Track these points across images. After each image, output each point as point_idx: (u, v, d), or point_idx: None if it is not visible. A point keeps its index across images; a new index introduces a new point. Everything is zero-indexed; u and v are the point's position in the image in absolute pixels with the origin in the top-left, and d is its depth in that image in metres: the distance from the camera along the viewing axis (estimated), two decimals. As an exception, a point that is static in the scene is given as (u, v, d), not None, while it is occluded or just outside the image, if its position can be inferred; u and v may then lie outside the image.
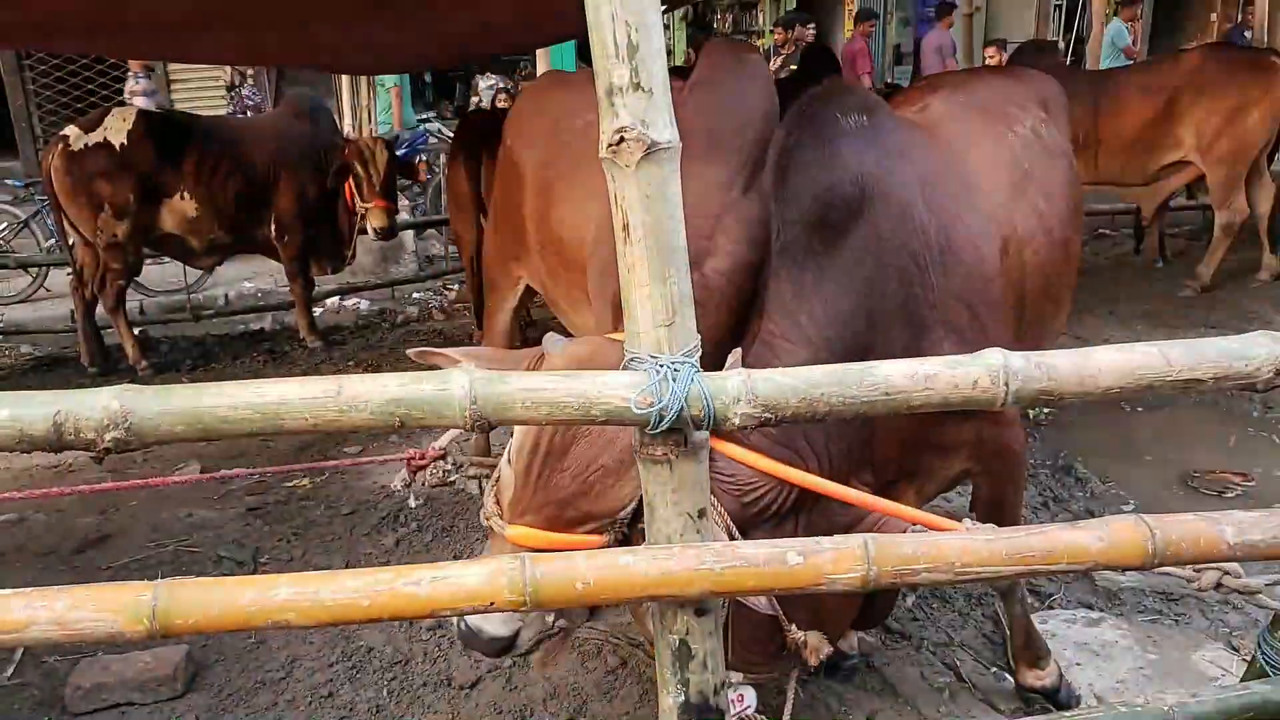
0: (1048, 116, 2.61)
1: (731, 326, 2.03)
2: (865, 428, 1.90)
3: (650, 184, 1.31)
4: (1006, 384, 1.34)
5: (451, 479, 2.09)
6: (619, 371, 1.37)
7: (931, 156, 2.16)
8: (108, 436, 1.23)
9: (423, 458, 1.97)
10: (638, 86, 1.28)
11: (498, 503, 1.76)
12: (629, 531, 1.74)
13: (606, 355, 1.74)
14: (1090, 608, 2.91)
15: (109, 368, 5.82)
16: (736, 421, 1.34)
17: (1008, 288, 2.17)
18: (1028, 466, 2.35)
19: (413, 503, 2.19)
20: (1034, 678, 2.47)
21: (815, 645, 1.78)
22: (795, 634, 1.77)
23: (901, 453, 2.02)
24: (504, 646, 1.72)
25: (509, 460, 1.77)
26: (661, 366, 1.33)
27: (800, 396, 1.33)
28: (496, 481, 1.80)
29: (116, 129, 5.44)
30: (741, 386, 1.33)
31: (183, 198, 5.60)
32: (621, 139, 1.29)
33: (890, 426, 1.94)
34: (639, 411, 1.30)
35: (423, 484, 2.12)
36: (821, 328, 1.90)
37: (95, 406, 1.24)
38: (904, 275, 1.95)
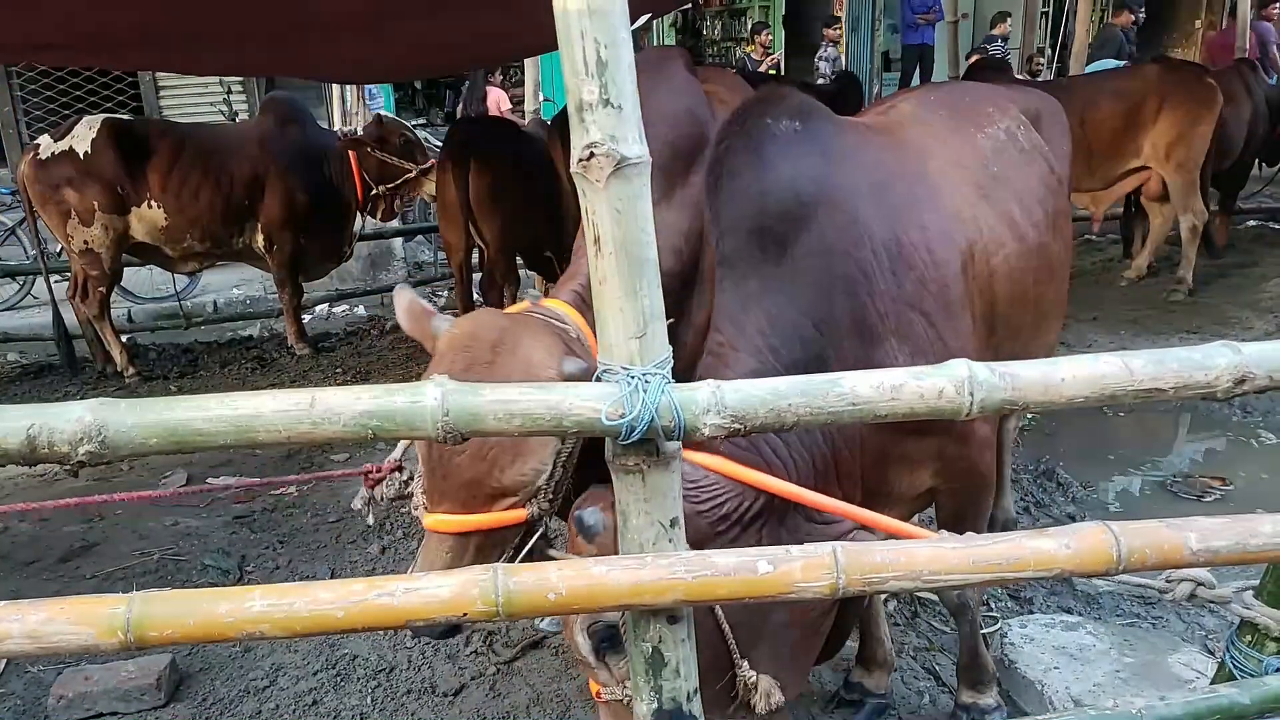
0: (1029, 123, 2.53)
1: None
2: (827, 440, 1.90)
3: (620, 199, 1.33)
4: (972, 394, 1.36)
5: (409, 490, 2.08)
6: (591, 383, 1.38)
7: (881, 159, 2.12)
8: (81, 450, 1.24)
9: (378, 471, 1.99)
10: (607, 103, 1.30)
11: (423, 493, 1.81)
12: (552, 501, 1.78)
13: (486, 323, 1.86)
14: (1069, 612, 2.94)
15: (75, 367, 5.89)
16: (706, 432, 1.36)
17: (972, 295, 2.11)
18: (991, 488, 2.31)
19: (370, 520, 2.19)
20: (969, 697, 2.47)
21: (765, 690, 1.70)
22: (746, 673, 1.70)
23: (867, 468, 1.99)
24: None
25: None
26: (632, 378, 1.35)
27: (768, 407, 1.35)
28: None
29: (82, 137, 5.47)
30: (711, 398, 1.35)
31: (150, 206, 5.60)
32: (591, 154, 1.31)
33: (852, 438, 1.93)
34: (609, 423, 1.31)
35: (381, 498, 2.12)
36: (768, 337, 1.89)
37: (69, 419, 1.24)
38: (850, 284, 1.93)
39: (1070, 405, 1.42)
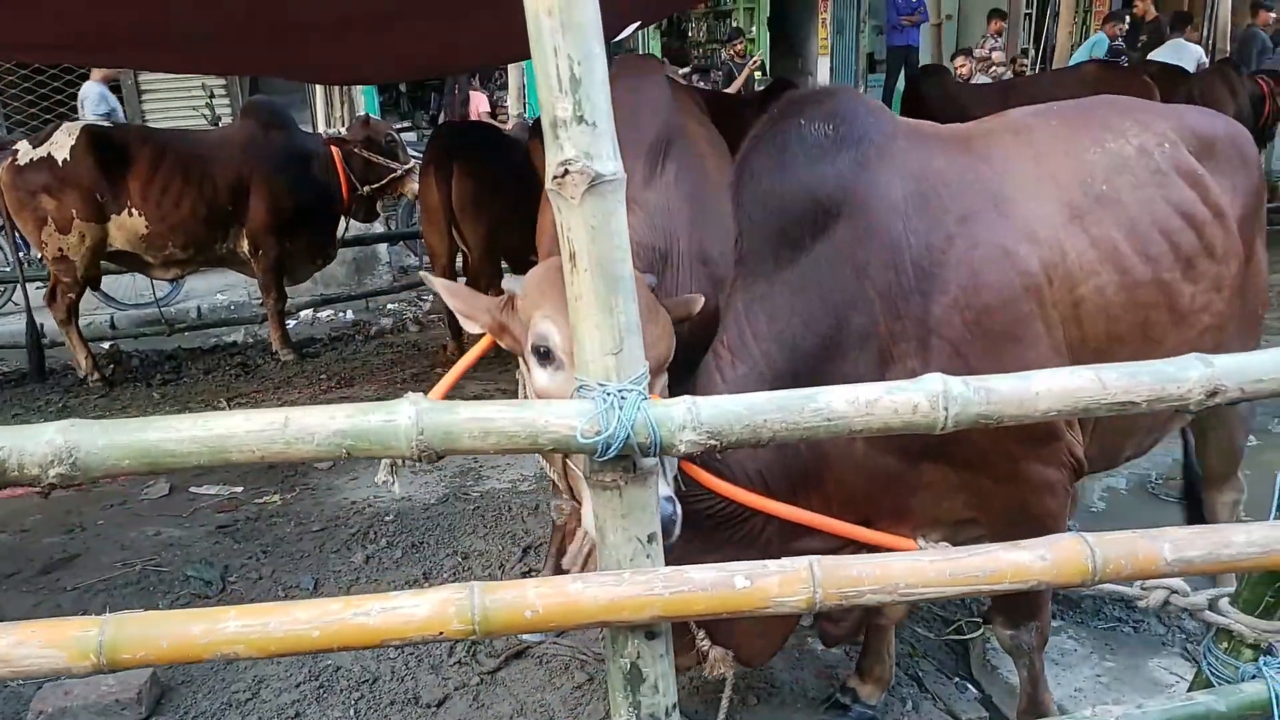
0: (1185, 143, 2.15)
1: None
2: (808, 452, 1.90)
3: (595, 216, 1.33)
4: (946, 409, 1.37)
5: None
6: (567, 401, 1.38)
7: (936, 168, 1.95)
8: (52, 472, 1.23)
9: None
10: (581, 119, 1.30)
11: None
12: None
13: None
14: (1051, 616, 2.94)
15: (43, 376, 5.86)
16: (683, 449, 1.36)
17: (1050, 324, 1.90)
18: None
19: (396, 490, 2.17)
20: None
21: (714, 660, 1.99)
22: (701, 643, 1.98)
23: (870, 487, 1.94)
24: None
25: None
26: (609, 395, 1.35)
27: (744, 423, 1.35)
28: None
29: (61, 144, 5.43)
30: (687, 414, 1.35)
31: (131, 214, 5.56)
32: (566, 171, 1.31)
33: (845, 455, 1.90)
34: (585, 440, 1.31)
35: (403, 462, 2.11)
36: (766, 344, 1.87)
37: (40, 441, 1.23)
38: (864, 300, 1.84)
39: (1045, 418, 1.44)
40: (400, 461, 2.07)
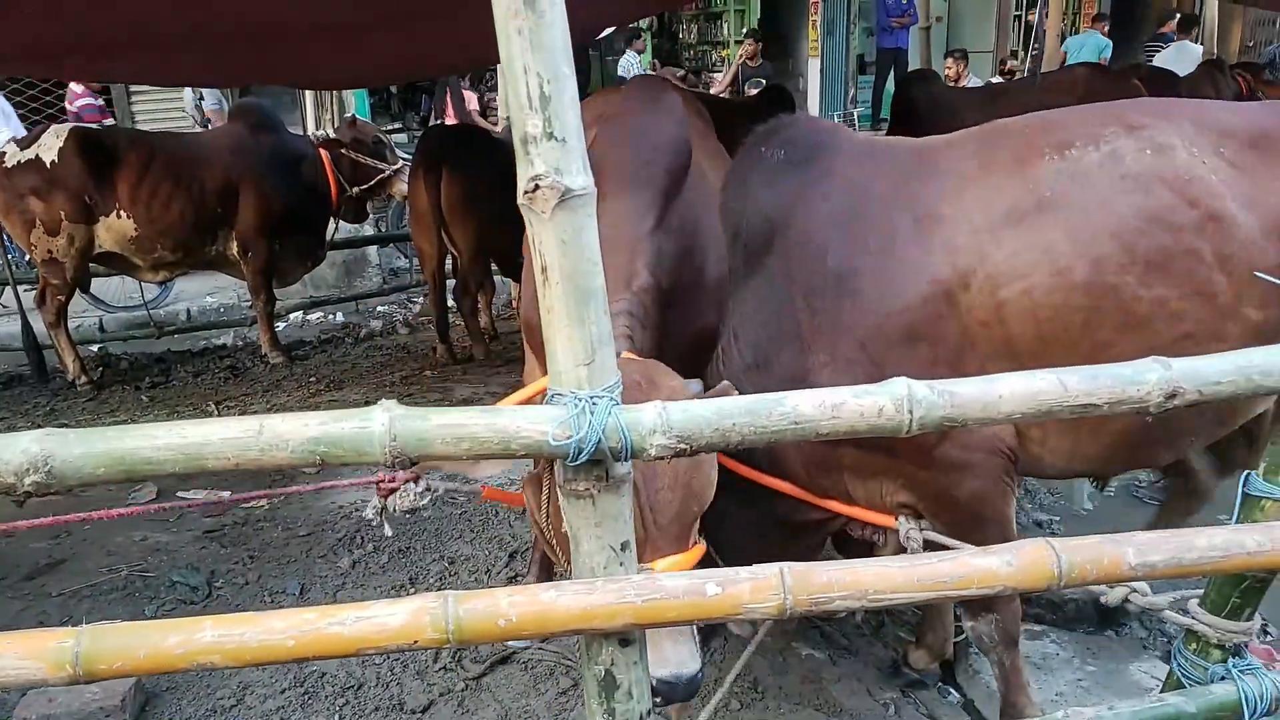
0: (1185, 149, 2.02)
1: (658, 340, 2.15)
2: None
3: (566, 229, 1.34)
4: (911, 411, 1.39)
5: (423, 502, 2.12)
6: (539, 406, 1.40)
7: (868, 186, 2.12)
8: (27, 480, 1.24)
9: (392, 480, 2.00)
10: (551, 136, 1.32)
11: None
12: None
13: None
14: (1037, 620, 2.96)
15: (45, 377, 5.85)
16: (653, 452, 1.37)
17: (958, 325, 2.00)
18: (1000, 524, 2.09)
19: (388, 531, 2.21)
20: None
21: None
22: None
23: (807, 468, 2.17)
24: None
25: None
26: (580, 401, 1.37)
27: (713, 427, 1.37)
28: None
29: (49, 146, 5.43)
30: (657, 419, 1.37)
31: (119, 216, 5.56)
32: (537, 186, 1.33)
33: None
34: (556, 444, 1.33)
35: (394, 509, 2.15)
36: (741, 346, 2.21)
37: (15, 450, 1.24)
38: (791, 303, 2.13)
39: (1009, 421, 1.46)
40: (392, 509, 2.13)
